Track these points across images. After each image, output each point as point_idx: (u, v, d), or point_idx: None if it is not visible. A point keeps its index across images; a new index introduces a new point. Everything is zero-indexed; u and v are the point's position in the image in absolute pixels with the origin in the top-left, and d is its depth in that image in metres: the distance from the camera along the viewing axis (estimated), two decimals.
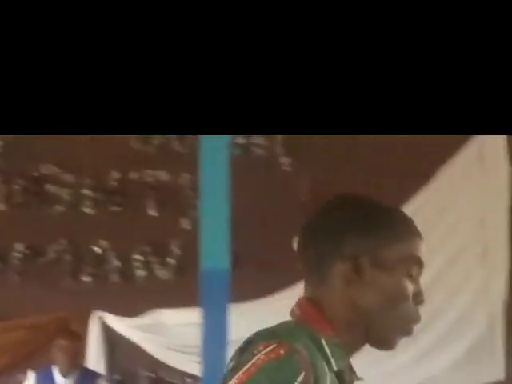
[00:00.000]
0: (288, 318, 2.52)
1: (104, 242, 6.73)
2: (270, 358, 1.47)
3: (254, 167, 6.49)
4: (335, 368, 1.58)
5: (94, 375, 6.32)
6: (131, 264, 6.82)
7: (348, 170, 6.54)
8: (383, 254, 1.58)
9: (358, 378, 1.70)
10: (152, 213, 6.75)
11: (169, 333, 6.58)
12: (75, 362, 6.16)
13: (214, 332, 3.39)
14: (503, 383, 6.63)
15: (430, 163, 6.36)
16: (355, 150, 6.55)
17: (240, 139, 6.51)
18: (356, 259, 1.55)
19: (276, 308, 6.11)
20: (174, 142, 6.63)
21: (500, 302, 6.60)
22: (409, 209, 6.52)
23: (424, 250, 1.54)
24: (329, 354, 1.58)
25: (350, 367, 1.64)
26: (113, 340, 6.75)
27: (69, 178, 6.75)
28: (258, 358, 1.47)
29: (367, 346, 1.69)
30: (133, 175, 6.70)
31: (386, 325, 1.61)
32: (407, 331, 1.58)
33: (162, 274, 6.74)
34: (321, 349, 1.58)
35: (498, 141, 6.41)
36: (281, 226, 6.29)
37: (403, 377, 6.84)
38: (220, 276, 3.25)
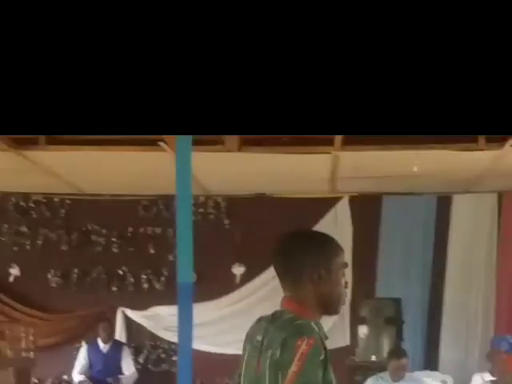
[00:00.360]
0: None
1: (124, 268, 8.37)
2: (309, 348, 2.12)
3: (208, 226, 8.05)
4: (323, 336, 2.29)
5: (121, 343, 8.04)
6: (140, 280, 8.36)
7: (263, 224, 8.00)
8: (331, 264, 2.31)
9: (327, 338, 2.32)
10: (152, 251, 8.32)
11: (162, 319, 8.08)
12: (110, 336, 7.85)
13: (185, 318, 4.01)
14: (349, 347, 7.79)
15: (307, 222, 7.71)
16: (267, 210, 8.04)
17: (200, 210, 8.06)
18: (318, 270, 2.28)
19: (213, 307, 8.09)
20: (164, 210, 8.08)
21: (348, 302, 7.22)
22: None
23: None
24: (316, 328, 2.27)
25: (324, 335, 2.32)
26: (130, 324, 8.39)
27: (103, 231, 8.39)
28: (303, 351, 2.11)
29: None
30: (141, 230, 8.34)
31: (336, 302, 2.35)
32: (342, 303, 2.34)
33: (158, 286, 8.27)
34: (320, 329, 2.29)
35: (345, 204, 8.05)
36: (223, 257, 8.16)
37: None
38: (188, 287, 3.88)
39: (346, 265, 2.38)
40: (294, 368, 2.11)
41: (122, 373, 7.90)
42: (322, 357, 2.18)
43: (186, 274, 3.98)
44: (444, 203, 8.10)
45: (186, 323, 4.09)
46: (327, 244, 2.39)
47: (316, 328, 2.27)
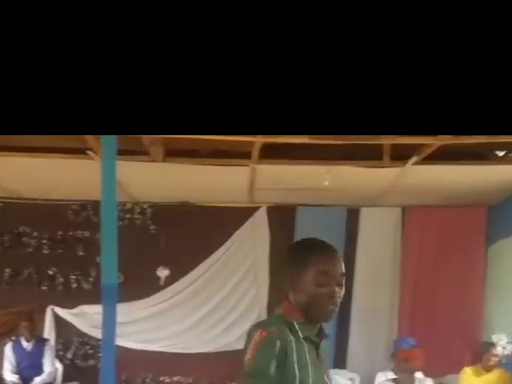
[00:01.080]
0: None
1: (54, 268, 8.30)
2: (261, 339, 2.18)
3: (134, 231, 8.11)
4: (301, 336, 2.30)
5: (44, 340, 7.95)
6: (70, 280, 8.30)
7: (186, 230, 8.15)
8: (302, 274, 2.31)
9: (327, 336, 2.38)
10: (81, 253, 8.28)
11: (89, 317, 8.06)
12: (33, 334, 7.80)
13: (109, 317, 4.00)
14: None
15: (227, 229, 8.17)
16: (191, 217, 8.11)
17: (127, 215, 8.11)
18: (291, 279, 2.31)
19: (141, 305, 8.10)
20: (92, 215, 8.03)
21: (264, 305, 8.20)
22: (216, 256, 8.17)
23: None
24: (297, 329, 2.28)
25: (318, 333, 2.35)
26: (59, 321, 8.30)
27: (35, 233, 8.32)
28: (255, 341, 2.18)
29: None
30: (70, 233, 8.31)
31: (314, 311, 2.34)
32: (326, 311, 2.33)
33: (86, 286, 8.22)
34: (292, 328, 2.29)
35: (263, 213, 8.19)
36: (149, 260, 8.20)
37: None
38: (112, 287, 3.90)
39: (324, 273, 2.34)
40: (247, 355, 2.23)
41: (42, 370, 7.87)
42: (277, 350, 2.22)
43: (110, 275, 4.03)
44: (353, 215, 8.31)
45: (109, 321, 4.13)
46: (304, 253, 2.39)
47: (295, 327, 2.32)
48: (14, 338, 8.02)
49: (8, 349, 7.88)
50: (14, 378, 7.84)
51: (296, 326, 2.32)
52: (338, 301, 2.37)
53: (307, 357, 2.31)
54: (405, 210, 8.29)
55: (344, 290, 2.37)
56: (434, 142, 5.50)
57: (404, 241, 8.31)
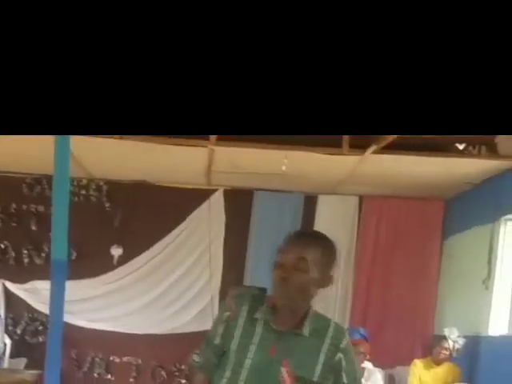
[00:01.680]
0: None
1: (6, 242, 8.16)
2: (221, 307, 2.49)
3: (89, 208, 8.04)
4: (254, 315, 2.37)
5: None
6: (22, 255, 8.16)
7: (142, 209, 8.08)
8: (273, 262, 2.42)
9: (302, 334, 2.37)
10: (34, 228, 8.12)
11: (40, 293, 7.86)
12: None
13: (57, 294, 3.70)
14: None
15: (183, 211, 8.04)
16: (147, 196, 8.01)
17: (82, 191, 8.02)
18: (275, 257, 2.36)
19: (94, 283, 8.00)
20: (47, 189, 7.85)
21: (217, 289, 8.12)
22: (171, 237, 8.03)
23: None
24: (258, 308, 2.35)
25: (272, 320, 2.37)
26: (9, 296, 8.16)
27: None
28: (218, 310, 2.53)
29: None
30: (24, 206, 8.15)
31: (274, 296, 2.39)
32: (279, 298, 2.38)
33: (38, 261, 8.08)
34: (257, 305, 2.36)
35: (219, 196, 8.07)
36: (103, 238, 8.08)
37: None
38: (61, 263, 3.66)
39: (277, 264, 2.36)
40: None
41: None
42: (226, 315, 2.35)
43: (60, 250, 3.85)
44: (310, 202, 8.24)
45: (58, 298, 3.87)
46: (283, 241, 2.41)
47: (259, 306, 2.40)
48: None
49: None
50: None
51: (263, 305, 2.37)
52: (293, 286, 2.31)
53: (254, 339, 2.31)
54: (362, 199, 8.24)
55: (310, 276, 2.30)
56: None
57: (360, 230, 8.28)
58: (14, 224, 8.25)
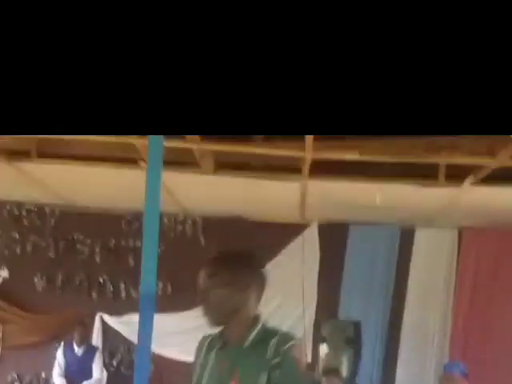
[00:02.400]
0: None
1: (105, 276, 8.42)
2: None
3: (185, 243, 8.22)
4: (210, 347, 2.59)
5: (94, 347, 8.09)
6: (119, 289, 8.38)
7: (236, 244, 8.10)
8: None
9: (226, 345, 2.51)
10: (131, 262, 8.28)
11: (136, 326, 8.57)
12: (84, 339, 7.91)
13: (146, 327, 3.37)
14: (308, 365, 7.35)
15: (277, 246, 8.02)
16: (241, 231, 7.97)
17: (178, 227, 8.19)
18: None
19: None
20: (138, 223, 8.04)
21: (311, 324, 8.06)
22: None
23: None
24: (212, 341, 2.56)
25: (221, 341, 2.54)
26: (106, 328, 8.39)
27: (88, 241, 8.45)
28: None
29: None
30: (123, 242, 8.35)
31: None
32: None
33: (134, 294, 8.15)
34: (212, 340, 2.54)
35: (313, 230, 8.07)
36: (198, 272, 8.67)
37: None
38: (150, 296, 3.34)
39: None
40: None
41: (89, 376, 7.90)
42: (207, 342, 2.56)
43: (148, 284, 3.96)
44: (407, 234, 8.08)
45: (146, 331, 4.01)
46: None
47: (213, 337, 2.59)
48: (64, 341, 8.08)
49: (59, 352, 7.96)
50: (63, 381, 7.89)
51: (216, 335, 2.53)
52: (207, 303, 2.48)
53: (209, 363, 2.50)
54: (461, 231, 8.03)
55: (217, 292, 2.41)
56: (491, 162, 5.26)
57: (459, 264, 8.04)
58: (113, 259, 8.45)
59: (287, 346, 2.40)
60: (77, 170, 6.21)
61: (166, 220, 8.08)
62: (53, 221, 8.49)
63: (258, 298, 2.53)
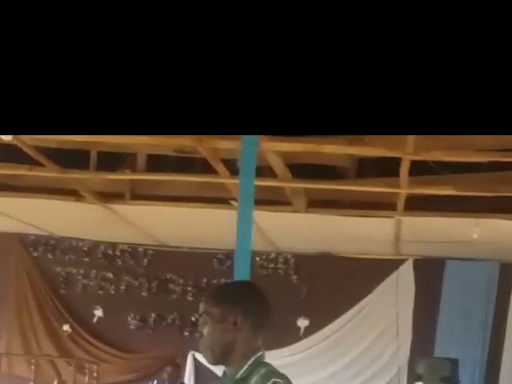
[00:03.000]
0: None
1: (197, 315, 8.82)
2: None
3: (277, 280, 8.12)
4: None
5: None
6: None
7: (328, 281, 8.09)
8: None
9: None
10: None
11: None
12: (176, 378, 7.73)
13: None
14: None
15: (370, 282, 8.02)
16: (332, 268, 8.06)
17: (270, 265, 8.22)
18: None
19: None
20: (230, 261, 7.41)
21: (405, 360, 7.88)
22: (358, 308, 8.01)
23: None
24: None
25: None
26: (198, 367, 8.43)
27: (180, 280, 8.55)
28: None
29: None
30: (214, 281, 8.29)
31: None
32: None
33: None
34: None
35: (409, 266, 7.98)
36: (290, 310, 8.04)
37: None
38: None
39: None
40: None
41: None
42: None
43: None
44: (506, 270, 7.85)
45: None
46: None
47: None
48: (156, 381, 7.98)
49: None
50: None
51: None
52: (202, 341, 2.36)
53: None
54: None
55: (209, 331, 2.32)
56: None
57: None
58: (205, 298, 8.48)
59: None
60: (169, 210, 6.26)
61: (257, 258, 8.05)
62: (146, 261, 8.59)
63: (255, 333, 2.40)
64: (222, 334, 2.35)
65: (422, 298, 7.89)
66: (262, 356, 2.41)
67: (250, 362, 2.37)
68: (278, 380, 2.32)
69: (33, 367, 7.14)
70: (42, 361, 8.19)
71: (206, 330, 2.36)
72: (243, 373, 2.35)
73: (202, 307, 2.41)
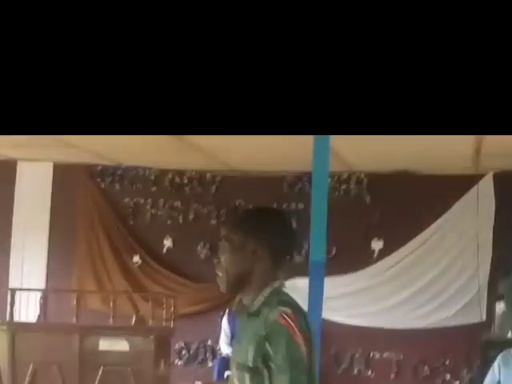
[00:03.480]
0: None
1: None
2: None
3: (349, 202, 7.97)
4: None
5: None
6: None
7: (403, 200, 7.81)
8: None
9: (246, 309, 2.37)
10: (294, 226, 8.60)
11: (300, 291, 7.84)
12: None
13: (316, 294, 3.94)
14: (483, 323, 7.53)
15: (448, 199, 7.68)
16: (408, 187, 7.77)
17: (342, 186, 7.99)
18: None
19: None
20: (307, 187, 7.38)
21: (485, 280, 7.69)
22: (434, 227, 7.75)
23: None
24: None
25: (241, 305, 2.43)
26: None
27: (250, 206, 7.71)
28: None
29: None
30: (284, 205, 8.00)
31: None
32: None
33: (298, 259, 7.27)
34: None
35: (488, 181, 7.63)
36: (363, 232, 7.96)
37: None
38: (320, 264, 3.83)
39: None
40: None
41: None
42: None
43: (318, 251, 3.89)
44: None
45: (316, 298, 4.03)
46: None
47: None
48: (228, 309, 7.94)
49: (224, 321, 7.87)
50: (230, 350, 7.63)
51: None
52: (220, 267, 2.34)
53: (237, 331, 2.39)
54: None
55: (226, 257, 2.31)
56: None
57: None
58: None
59: (276, 316, 2.23)
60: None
61: (329, 179, 7.83)
62: (214, 187, 8.40)
63: (276, 263, 2.32)
64: (240, 262, 2.30)
65: (504, 215, 7.57)
66: (281, 286, 2.34)
67: (265, 294, 2.30)
68: (285, 308, 2.23)
69: (111, 303, 7.08)
70: (117, 294, 8.04)
71: (223, 257, 2.32)
72: (257, 305, 2.29)
73: (222, 231, 2.38)
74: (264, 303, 2.29)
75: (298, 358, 2.20)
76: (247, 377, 2.25)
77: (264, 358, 2.24)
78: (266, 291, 2.30)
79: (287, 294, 2.32)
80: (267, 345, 2.23)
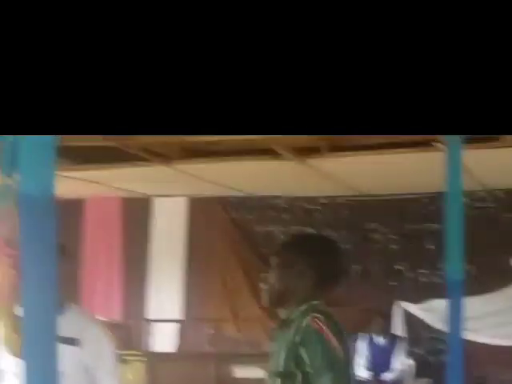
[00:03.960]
0: None
1: (402, 263, 8.33)
2: None
3: (487, 220, 7.88)
4: None
5: (395, 337, 7.97)
6: (417, 275, 8.28)
7: None
8: None
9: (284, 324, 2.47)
10: (430, 246, 8.04)
11: (439, 312, 7.37)
12: (384, 329, 7.87)
13: (454, 314, 3.52)
14: None
15: None
16: None
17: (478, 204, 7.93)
18: None
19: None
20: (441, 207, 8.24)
21: None
22: None
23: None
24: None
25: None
26: (407, 317, 8.16)
27: (383, 229, 8.39)
28: None
29: None
30: (418, 226, 8.15)
31: None
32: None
33: (435, 279, 8.01)
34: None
35: None
36: (502, 249, 7.79)
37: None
38: (457, 283, 3.49)
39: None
40: None
41: (392, 367, 7.83)
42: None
43: (454, 271, 3.75)
44: None
45: (455, 318, 3.77)
46: None
47: None
48: (366, 334, 8.03)
49: (361, 345, 7.92)
50: (367, 374, 7.84)
51: None
52: (265, 281, 2.43)
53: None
54: None
55: (274, 272, 2.39)
56: None
57: None
58: (409, 245, 8.28)
59: (309, 321, 2.33)
60: (368, 159, 6.17)
61: (464, 198, 7.73)
62: (346, 212, 8.48)
63: (319, 285, 2.44)
64: (286, 278, 2.41)
65: None
66: (319, 305, 2.42)
67: (302, 309, 2.40)
68: (318, 315, 2.32)
69: (241, 329, 7.20)
70: (251, 322, 8.28)
71: (272, 272, 2.45)
72: (291, 317, 2.41)
73: (276, 248, 2.55)
74: (298, 315, 2.40)
75: (336, 360, 2.27)
76: (278, 382, 2.34)
77: (297, 363, 2.30)
78: (303, 307, 2.40)
79: (323, 304, 2.42)
80: (302, 350, 2.29)
